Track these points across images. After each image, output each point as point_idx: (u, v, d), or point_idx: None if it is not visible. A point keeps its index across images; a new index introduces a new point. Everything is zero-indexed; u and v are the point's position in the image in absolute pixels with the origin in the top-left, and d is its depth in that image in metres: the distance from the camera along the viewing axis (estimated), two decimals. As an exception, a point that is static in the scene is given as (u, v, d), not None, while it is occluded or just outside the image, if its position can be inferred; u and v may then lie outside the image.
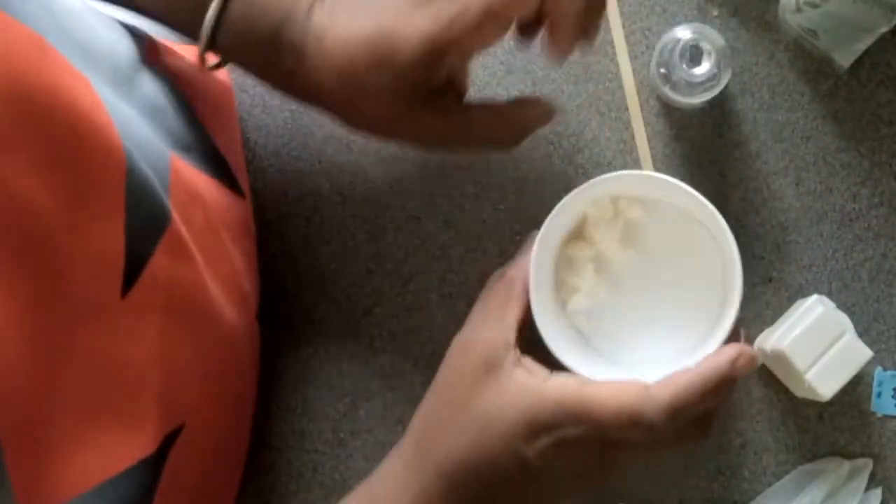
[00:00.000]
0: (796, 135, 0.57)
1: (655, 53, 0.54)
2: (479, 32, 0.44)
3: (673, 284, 0.52)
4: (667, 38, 0.53)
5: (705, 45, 0.52)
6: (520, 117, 0.49)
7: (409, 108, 0.46)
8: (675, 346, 0.50)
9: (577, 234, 0.52)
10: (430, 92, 0.46)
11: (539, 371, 0.44)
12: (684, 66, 0.52)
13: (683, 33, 0.53)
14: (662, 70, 0.54)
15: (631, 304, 0.52)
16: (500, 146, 0.51)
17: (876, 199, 0.57)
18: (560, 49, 0.46)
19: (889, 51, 0.56)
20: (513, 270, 0.48)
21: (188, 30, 0.47)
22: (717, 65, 0.52)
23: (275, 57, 0.46)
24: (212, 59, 0.49)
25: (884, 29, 0.54)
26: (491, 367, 0.44)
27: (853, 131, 0.57)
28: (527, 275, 0.47)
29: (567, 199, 0.49)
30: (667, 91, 0.54)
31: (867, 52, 0.55)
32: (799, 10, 0.54)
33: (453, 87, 0.49)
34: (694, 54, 0.52)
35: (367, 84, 0.45)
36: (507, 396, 0.42)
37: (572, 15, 0.45)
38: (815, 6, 0.53)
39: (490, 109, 0.49)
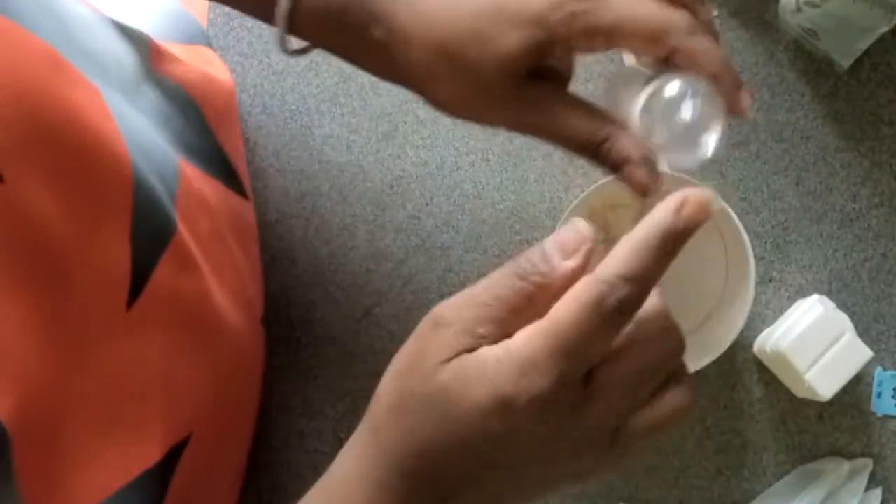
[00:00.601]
0: (796, 135, 0.57)
1: (639, 108, 0.42)
2: (596, 41, 0.40)
3: (677, 270, 0.53)
4: (653, 89, 0.41)
5: (691, 97, 0.41)
6: (595, 127, 0.42)
7: (503, 90, 0.42)
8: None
9: (590, 215, 0.53)
10: (531, 76, 0.42)
11: (500, 343, 0.36)
12: (667, 121, 0.41)
13: (668, 85, 0.41)
14: (656, 140, 0.41)
15: None
16: (577, 147, 0.43)
17: (876, 199, 0.57)
18: (732, 103, 0.40)
19: (889, 51, 0.56)
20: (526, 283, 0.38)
21: (261, 12, 0.44)
22: (704, 118, 0.41)
23: (357, 28, 0.43)
24: (291, 43, 0.45)
25: (884, 29, 0.54)
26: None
27: (853, 131, 0.57)
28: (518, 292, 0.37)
29: (591, 190, 0.50)
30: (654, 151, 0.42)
31: (867, 52, 0.55)
32: (799, 10, 0.54)
33: (557, 73, 0.44)
34: (676, 107, 0.41)
35: (466, 60, 0.41)
36: (468, 371, 0.35)
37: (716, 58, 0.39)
38: (815, 6, 0.53)
39: (579, 108, 0.43)
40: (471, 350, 0.35)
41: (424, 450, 0.36)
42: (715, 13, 0.58)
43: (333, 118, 0.60)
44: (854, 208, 0.57)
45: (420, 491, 0.36)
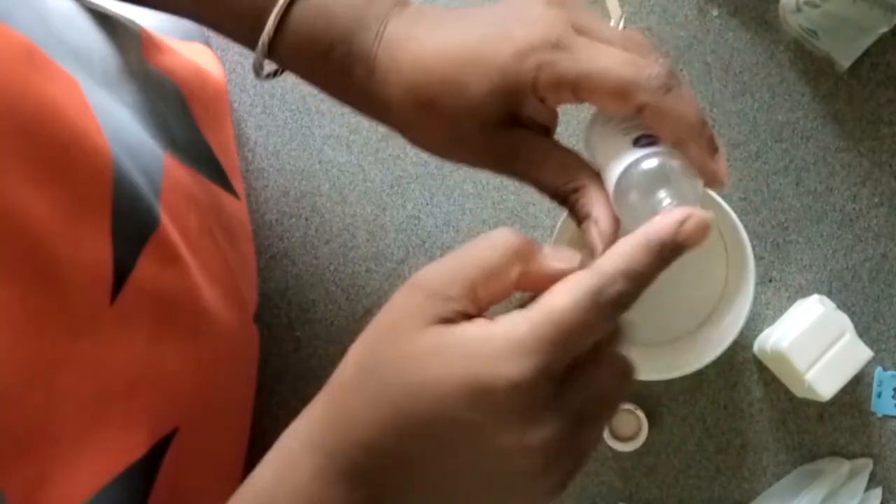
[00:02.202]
0: (796, 135, 0.57)
1: (612, 182, 0.39)
2: (563, 93, 0.38)
3: (677, 270, 0.54)
4: (627, 166, 0.38)
5: (669, 173, 0.38)
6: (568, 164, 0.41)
7: (478, 135, 0.41)
8: (674, 329, 0.54)
9: None
10: (512, 123, 0.41)
11: (479, 322, 0.33)
12: (644, 200, 0.38)
13: (642, 160, 0.38)
14: (619, 204, 0.39)
15: None
16: (548, 195, 0.42)
17: (876, 199, 0.57)
18: (706, 171, 0.38)
19: (889, 51, 0.56)
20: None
21: (243, 37, 0.43)
22: (684, 195, 0.38)
23: (341, 67, 0.42)
24: (267, 66, 0.44)
25: (884, 29, 0.54)
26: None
27: (853, 131, 0.57)
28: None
29: None
30: (626, 224, 0.40)
31: (867, 51, 0.55)
32: (799, 9, 0.54)
33: (535, 121, 0.42)
34: (655, 183, 0.38)
35: (440, 106, 0.41)
36: (448, 346, 0.32)
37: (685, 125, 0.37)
38: (815, 6, 0.53)
39: (552, 158, 0.41)
40: (446, 321, 0.33)
41: (385, 427, 0.33)
42: (715, 13, 0.58)
43: (333, 118, 0.60)
44: (854, 208, 0.57)
45: (358, 488, 0.34)
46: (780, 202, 0.57)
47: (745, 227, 0.51)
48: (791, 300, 0.57)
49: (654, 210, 0.37)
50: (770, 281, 0.57)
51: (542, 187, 0.42)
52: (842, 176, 0.57)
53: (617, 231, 0.39)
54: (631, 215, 0.38)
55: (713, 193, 0.51)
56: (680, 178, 0.38)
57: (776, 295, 0.57)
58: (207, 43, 0.60)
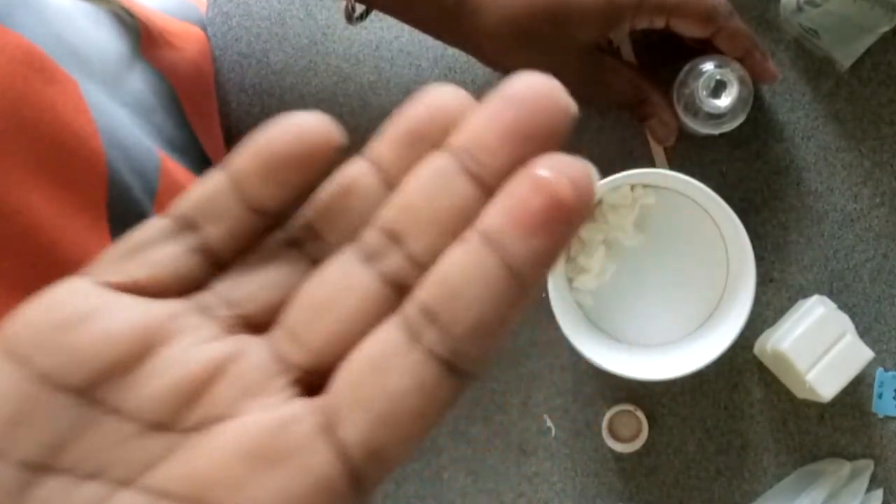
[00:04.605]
0: (797, 134, 0.57)
1: (676, 82, 0.52)
2: (659, 18, 0.48)
3: (678, 270, 0.54)
4: (690, 67, 0.51)
5: (730, 79, 0.50)
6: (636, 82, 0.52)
7: (573, 61, 0.49)
8: (674, 329, 0.54)
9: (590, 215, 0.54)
10: (596, 47, 0.49)
11: None
12: (707, 98, 0.51)
13: (708, 65, 0.51)
14: (684, 100, 0.52)
15: (635, 285, 0.54)
16: (617, 106, 0.54)
17: (877, 199, 0.56)
18: (759, 71, 0.51)
19: (890, 50, 0.56)
20: None
21: None
22: (739, 99, 0.51)
23: None
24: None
25: (885, 28, 0.53)
26: None
27: (854, 131, 0.57)
28: None
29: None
30: (685, 119, 0.52)
31: (868, 51, 0.55)
32: (800, 9, 0.54)
33: (609, 46, 0.52)
34: (717, 87, 0.51)
35: (541, 37, 0.47)
36: None
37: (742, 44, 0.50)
38: (815, 5, 0.53)
39: (623, 74, 0.52)
40: None
41: None
42: (715, 12, 0.58)
43: (333, 118, 0.60)
44: (855, 208, 0.56)
45: None
46: (781, 202, 0.57)
47: (745, 227, 0.50)
48: (791, 300, 0.56)
49: (714, 107, 0.50)
50: (770, 281, 0.57)
51: (615, 101, 0.52)
52: (843, 176, 0.57)
53: (676, 125, 0.52)
54: (691, 117, 0.51)
55: (713, 193, 0.50)
56: (734, 80, 0.50)
57: (776, 295, 0.57)
58: (204, 29, 0.59)
